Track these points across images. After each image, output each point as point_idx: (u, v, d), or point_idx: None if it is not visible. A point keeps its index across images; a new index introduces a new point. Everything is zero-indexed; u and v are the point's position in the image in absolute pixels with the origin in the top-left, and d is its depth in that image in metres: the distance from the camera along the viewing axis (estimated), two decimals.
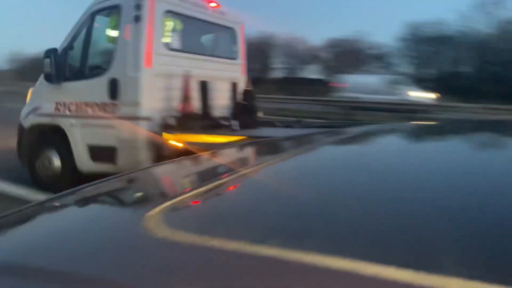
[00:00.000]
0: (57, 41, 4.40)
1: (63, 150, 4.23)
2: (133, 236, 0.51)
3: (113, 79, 3.90)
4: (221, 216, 0.59)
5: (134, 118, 3.79)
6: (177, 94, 4.03)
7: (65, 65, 4.30)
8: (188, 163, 1.16)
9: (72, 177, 4.12)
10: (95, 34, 4.22)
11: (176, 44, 4.39)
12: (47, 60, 4.29)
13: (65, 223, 0.66)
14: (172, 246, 0.48)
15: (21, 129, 4.68)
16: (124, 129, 3.83)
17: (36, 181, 4.39)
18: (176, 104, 4.04)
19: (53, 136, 4.36)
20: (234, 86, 4.68)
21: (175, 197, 0.68)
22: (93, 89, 4.07)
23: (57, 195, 0.81)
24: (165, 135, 3.71)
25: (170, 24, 4.26)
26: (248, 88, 4.70)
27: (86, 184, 0.85)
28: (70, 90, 4.25)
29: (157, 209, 0.59)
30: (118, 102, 3.88)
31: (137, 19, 3.87)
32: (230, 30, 5.04)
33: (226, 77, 4.74)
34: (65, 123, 4.22)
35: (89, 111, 4.07)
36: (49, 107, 4.36)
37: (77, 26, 4.33)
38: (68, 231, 0.59)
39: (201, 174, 1.02)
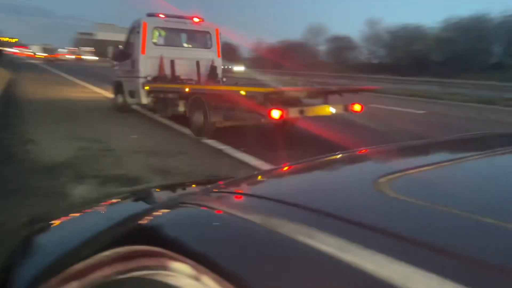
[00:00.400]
0: None
1: (123, 93, 9.31)
2: (369, 193, 0.69)
3: (132, 60, 8.88)
4: (442, 189, 0.74)
5: (138, 77, 8.57)
6: (157, 67, 8.55)
7: (118, 52, 9.80)
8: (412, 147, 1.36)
9: (124, 106, 9.34)
10: (128, 39, 9.43)
11: (161, 42, 8.97)
12: (110, 48, 10.39)
13: (318, 181, 0.92)
14: (397, 203, 0.63)
15: (113, 82, 10.27)
16: (136, 82, 8.62)
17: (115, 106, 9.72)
18: (156, 71, 8.57)
19: (120, 86, 9.52)
20: (211, 62, 9.07)
21: (403, 170, 0.83)
22: (127, 64, 9.14)
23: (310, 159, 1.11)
24: (146, 86, 8.47)
25: (156, 32, 8.85)
26: (213, 64, 9.03)
27: (324, 155, 1.13)
28: (120, 65, 9.62)
29: (387, 177, 0.76)
30: (134, 70, 8.73)
31: (138, 32, 8.67)
32: (207, 33, 9.37)
33: (202, 58, 8.96)
34: (121, 80, 9.47)
35: (126, 74, 9.14)
36: (117, 73, 9.91)
37: (128, 32, 9.58)
38: (322, 186, 0.84)
39: (419, 156, 1.22)
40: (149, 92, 8.45)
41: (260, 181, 0.99)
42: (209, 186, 1.00)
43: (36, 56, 58.64)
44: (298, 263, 0.47)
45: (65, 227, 1.50)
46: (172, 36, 9.15)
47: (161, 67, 8.48)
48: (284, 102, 5.88)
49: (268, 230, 0.54)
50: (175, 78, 8.52)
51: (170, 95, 7.77)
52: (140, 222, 0.69)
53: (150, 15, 8.90)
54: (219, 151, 5.80)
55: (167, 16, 8.95)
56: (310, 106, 6.26)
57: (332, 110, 6.25)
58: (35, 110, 9.20)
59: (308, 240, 0.49)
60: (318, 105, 6.37)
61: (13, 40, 44.99)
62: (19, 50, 71.10)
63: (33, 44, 74.66)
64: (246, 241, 0.54)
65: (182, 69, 8.67)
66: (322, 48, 47.99)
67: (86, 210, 1.64)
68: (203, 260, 0.48)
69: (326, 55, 46.92)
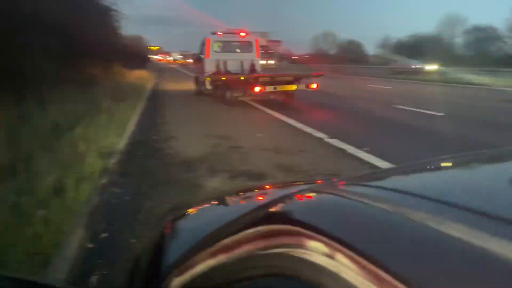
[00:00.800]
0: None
1: (202, 83, 13.65)
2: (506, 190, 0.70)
3: (202, 62, 13.60)
4: None
5: (204, 73, 13.28)
6: (216, 66, 13.03)
7: (196, 57, 15.34)
8: None
9: (199, 92, 14.23)
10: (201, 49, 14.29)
11: (218, 50, 13.54)
12: (193, 55, 17.47)
13: (445, 177, 0.94)
14: None
15: (194, 77, 15.87)
16: (204, 76, 13.35)
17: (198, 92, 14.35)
18: (215, 68, 13.03)
19: (196, 79, 14.89)
20: (251, 62, 13.44)
21: None
22: (201, 63, 13.78)
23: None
24: (208, 77, 13.01)
25: (216, 44, 13.54)
26: (252, 63, 13.46)
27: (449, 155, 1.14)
28: (196, 66, 15.30)
29: None
30: (203, 68, 13.41)
31: (204, 44, 13.68)
32: (249, 42, 13.77)
33: (245, 59, 13.41)
34: (198, 75, 14.70)
35: (199, 71, 14.18)
36: (195, 71, 15.87)
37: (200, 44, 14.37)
38: (450, 182, 0.84)
39: None
40: (210, 82, 12.97)
41: (386, 175, 1.02)
42: (335, 180, 1.06)
43: (174, 61, 66.54)
44: (430, 245, 0.51)
45: (206, 213, 1.72)
46: (226, 46, 13.83)
47: (218, 66, 13.24)
48: (265, 82, 10.53)
49: (400, 215, 0.59)
50: (227, 73, 12.92)
51: (219, 83, 12.18)
52: (279, 204, 0.78)
53: (213, 33, 13.86)
54: (342, 150, 5.78)
55: (223, 33, 14.10)
56: (281, 85, 10.68)
57: (295, 87, 10.79)
58: (168, 95, 15.18)
59: (440, 227, 0.52)
60: (288, 85, 10.77)
61: (156, 48, 51.50)
62: (161, 57, 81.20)
63: (172, 51, 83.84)
64: (379, 224, 0.59)
65: (232, 67, 13.36)
66: (459, 40, 43.49)
67: (222, 200, 1.84)
68: (337, 240, 0.53)
69: (464, 48, 42.39)
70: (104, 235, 3.12)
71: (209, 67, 13.28)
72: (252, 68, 13.53)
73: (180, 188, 4.19)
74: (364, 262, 0.49)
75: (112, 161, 4.98)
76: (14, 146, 4.57)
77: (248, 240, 0.66)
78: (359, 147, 5.83)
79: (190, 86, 16.24)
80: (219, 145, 6.22)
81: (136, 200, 3.87)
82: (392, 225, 0.58)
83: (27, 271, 2.32)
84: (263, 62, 17.12)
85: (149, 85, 19.24)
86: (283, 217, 0.66)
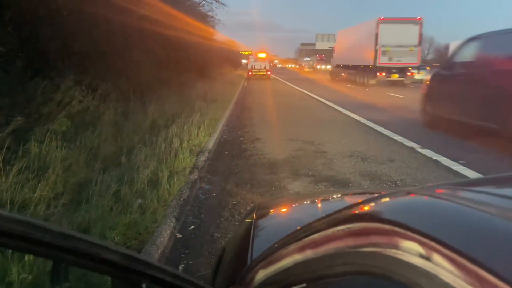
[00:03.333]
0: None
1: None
2: None
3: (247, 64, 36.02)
4: None
5: (249, 70, 33.34)
6: (251, 66, 32.99)
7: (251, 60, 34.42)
8: None
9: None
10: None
11: (252, 61, 33.30)
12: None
13: None
14: None
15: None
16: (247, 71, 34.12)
17: None
18: (252, 67, 32.99)
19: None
20: (265, 66, 33.60)
21: None
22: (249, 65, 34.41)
23: None
24: (250, 71, 33.00)
25: (251, 58, 34.25)
26: (266, 66, 32.98)
27: None
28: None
29: None
30: (248, 67, 33.95)
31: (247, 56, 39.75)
32: (267, 57, 34.11)
33: (265, 65, 33.12)
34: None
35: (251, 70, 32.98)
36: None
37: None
38: None
39: None
40: (249, 73, 31.72)
41: (485, 182, 0.94)
42: (430, 184, 1.01)
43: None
44: None
45: (292, 211, 1.74)
46: (256, 59, 32.56)
47: (252, 66, 31.77)
48: (255, 71, 31.83)
49: (504, 218, 0.56)
50: (257, 70, 31.51)
51: (254, 72, 31.46)
52: (372, 203, 0.76)
53: (250, 53, 35.16)
54: (436, 162, 5.41)
55: (255, 53, 35.07)
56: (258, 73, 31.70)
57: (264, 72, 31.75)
58: (257, 97, 14.95)
59: None
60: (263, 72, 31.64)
61: (247, 53, 53.25)
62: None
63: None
64: (481, 226, 0.56)
65: (258, 68, 31.52)
66: None
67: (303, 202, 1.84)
68: (436, 241, 0.51)
69: None
70: (192, 227, 3.30)
71: (251, 66, 32.51)
72: (265, 68, 32.27)
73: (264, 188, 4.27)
74: (467, 263, 0.47)
75: (202, 158, 5.25)
76: (119, 140, 5.05)
77: (337, 237, 0.66)
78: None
79: (277, 86, 16.40)
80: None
81: (222, 197, 4.03)
82: (495, 228, 0.55)
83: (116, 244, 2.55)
84: None
85: (239, 87, 19.96)
86: (376, 216, 0.65)
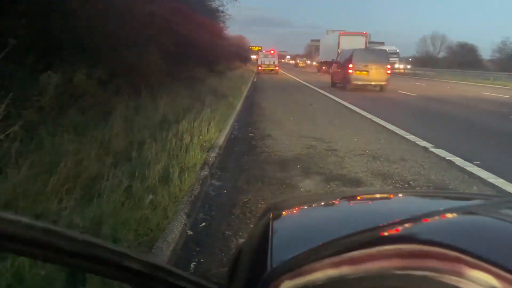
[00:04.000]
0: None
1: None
2: None
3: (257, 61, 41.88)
4: None
5: (258, 65, 38.32)
6: (261, 62, 37.51)
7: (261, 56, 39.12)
8: None
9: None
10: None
11: (263, 57, 37.82)
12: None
13: None
14: None
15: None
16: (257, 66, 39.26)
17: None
18: (261, 63, 37.78)
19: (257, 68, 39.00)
20: (274, 62, 37.67)
21: None
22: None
23: None
24: (259, 67, 37.30)
25: (262, 54, 38.53)
26: (275, 62, 37.81)
27: None
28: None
29: None
30: (258, 63, 39.27)
31: (256, 54, 45.86)
32: (275, 54, 37.35)
33: (273, 61, 36.84)
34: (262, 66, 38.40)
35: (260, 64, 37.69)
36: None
37: None
38: None
39: None
40: (259, 68, 35.92)
41: None
42: (498, 198, 0.95)
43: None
44: None
45: (315, 213, 1.69)
46: (266, 55, 36.68)
47: (262, 62, 36.14)
48: (264, 66, 35.94)
49: None
50: (266, 65, 35.82)
51: (263, 67, 35.77)
52: (427, 220, 0.70)
53: (260, 50, 40.88)
54: (449, 162, 5.32)
55: (265, 50, 38.87)
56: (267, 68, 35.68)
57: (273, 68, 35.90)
58: (267, 93, 15.53)
59: None
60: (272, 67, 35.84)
61: (257, 49, 52.98)
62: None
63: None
64: None
65: (267, 64, 35.66)
66: None
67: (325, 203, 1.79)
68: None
69: None
70: (203, 224, 3.28)
71: (260, 63, 37.20)
72: (274, 64, 36.17)
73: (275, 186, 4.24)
74: None
75: (212, 154, 5.22)
76: (130, 134, 5.04)
77: (383, 256, 0.60)
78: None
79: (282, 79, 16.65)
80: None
81: (233, 194, 4.00)
82: None
83: (137, 250, 2.53)
84: None
85: (249, 83, 19.89)
86: (436, 240, 0.59)
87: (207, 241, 2.98)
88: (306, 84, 21.77)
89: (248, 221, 3.33)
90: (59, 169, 3.34)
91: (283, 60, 73.43)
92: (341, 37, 33.42)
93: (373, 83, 16.45)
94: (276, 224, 1.51)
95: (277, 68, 35.12)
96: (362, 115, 9.66)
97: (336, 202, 1.77)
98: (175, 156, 4.54)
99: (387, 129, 7.79)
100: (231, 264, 1.60)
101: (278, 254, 1.20)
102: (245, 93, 14.92)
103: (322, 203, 1.84)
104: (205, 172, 4.49)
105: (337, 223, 1.26)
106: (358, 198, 1.95)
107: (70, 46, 6.52)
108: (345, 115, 9.79)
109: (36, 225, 0.51)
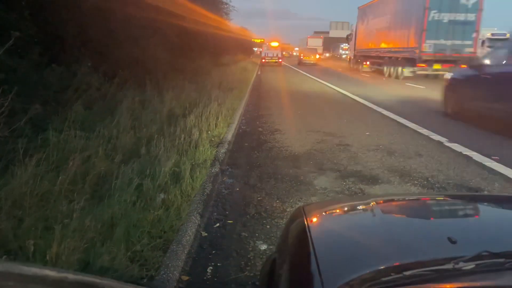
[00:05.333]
0: None
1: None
2: None
3: (263, 50, 39.95)
4: None
5: (262, 56, 37.40)
6: (264, 54, 36.39)
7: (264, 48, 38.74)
8: None
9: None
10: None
11: (266, 49, 37.19)
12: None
13: None
14: None
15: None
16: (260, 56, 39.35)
17: None
18: (265, 54, 36.47)
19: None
20: (278, 53, 36.43)
21: None
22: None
23: None
24: (263, 59, 36.51)
25: (266, 46, 38.53)
26: (278, 54, 36.09)
27: None
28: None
29: None
30: (263, 52, 38.01)
31: (264, 44, 40.07)
32: (279, 45, 36.66)
33: (277, 52, 35.93)
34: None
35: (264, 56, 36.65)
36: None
37: None
38: None
39: None
40: (263, 60, 34.34)
41: None
42: None
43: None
44: None
45: (351, 219, 1.55)
46: (269, 47, 35.66)
47: (265, 55, 34.84)
48: (268, 59, 34.26)
49: None
50: (270, 58, 34.10)
51: (267, 60, 34.12)
52: None
53: (263, 42, 41.88)
54: (466, 157, 5.16)
55: (268, 41, 38.16)
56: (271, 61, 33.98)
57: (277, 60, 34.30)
58: (270, 84, 15.56)
59: None
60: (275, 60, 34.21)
61: (259, 41, 52.56)
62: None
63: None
64: None
65: (271, 56, 34.21)
66: None
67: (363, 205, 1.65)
68: None
69: None
70: (217, 224, 3.15)
71: (265, 53, 35.74)
72: (278, 56, 34.95)
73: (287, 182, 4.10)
74: None
75: (222, 150, 5.09)
76: (137, 130, 4.90)
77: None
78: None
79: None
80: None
81: (245, 192, 3.87)
82: None
83: (150, 253, 2.41)
84: None
85: (253, 75, 19.70)
86: None
87: (223, 243, 2.85)
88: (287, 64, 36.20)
89: (264, 221, 3.20)
90: (67, 167, 3.21)
91: (290, 53, 73.05)
92: (309, 39, 63.71)
93: (309, 61, 36.86)
94: (316, 231, 1.37)
95: (280, 60, 34.42)
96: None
97: (373, 206, 1.63)
98: (184, 153, 4.40)
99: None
100: (265, 278, 1.46)
101: (328, 265, 1.06)
102: (250, 85, 14.75)
103: (358, 208, 1.70)
104: (216, 168, 4.35)
105: (383, 237, 1.15)
106: (394, 203, 1.82)
107: (74, 39, 6.36)
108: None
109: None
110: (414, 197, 2.25)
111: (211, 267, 2.52)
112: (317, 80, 18.37)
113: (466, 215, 1.67)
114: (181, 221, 2.90)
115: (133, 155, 4.02)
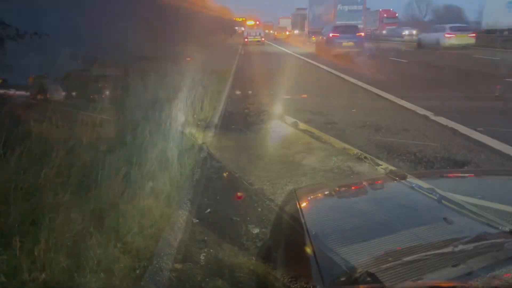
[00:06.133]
0: None
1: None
2: None
3: (244, 32, 43.92)
4: None
5: (244, 37, 38.46)
6: (247, 34, 38.18)
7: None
8: None
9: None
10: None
11: (247, 30, 41.00)
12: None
13: None
14: None
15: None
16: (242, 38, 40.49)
17: None
18: (248, 35, 38.43)
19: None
20: (260, 33, 39.23)
21: None
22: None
23: None
24: (246, 38, 37.88)
25: (248, 27, 45.34)
26: (261, 33, 38.30)
27: None
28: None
29: None
30: (244, 35, 40.75)
31: (243, 27, 48.36)
32: (260, 25, 47.30)
33: (260, 32, 38.13)
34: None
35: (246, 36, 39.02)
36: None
37: None
38: None
39: None
40: (245, 40, 35.48)
41: None
42: None
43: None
44: None
45: (342, 202, 1.53)
46: (253, 27, 41.33)
47: (247, 34, 36.58)
48: (251, 38, 36.06)
49: None
50: (252, 37, 36.16)
51: (249, 39, 35.41)
52: None
53: (245, 21, 48.01)
54: (451, 130, 5.21)
55: (249, 19, 47.39)
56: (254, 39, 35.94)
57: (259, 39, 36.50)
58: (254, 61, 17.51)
59: None
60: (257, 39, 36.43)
61: (241, 20, 51.63)
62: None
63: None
64: None
65: (253, 35, 36.18)
66: None
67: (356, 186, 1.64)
68: None
69: None
70: (208, 210, 3.12)
71: (247, 34, 36.75)
72: (261, 35, 36.83)
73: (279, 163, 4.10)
74: None
75: (209, 134, 5.03)
76: (121, 116, 4.80)
77: None
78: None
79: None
80: None
81: (235, 176, 3.84)
82: None
83: (143, 243, 2.37)
84: None
85: (237, 56, 19.49)
86: None
87: (215, 228, 2.82)
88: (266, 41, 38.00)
89: (255, 204, 3.18)
90: (50, 158, 3.13)
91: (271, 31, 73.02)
92: (280, 19, 72.92)
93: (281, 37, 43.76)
94: (308, 215, 1.34)
95: (263, 39, 36.77)
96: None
97: (366, 187, 1.61)
98: (171, 138, 4.33)
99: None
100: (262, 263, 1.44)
101: (322, 248, 1.04)
102: (234, 66, 14.57)
103: (350, 189, 1.69)
104: (204, 153, 4.30)
105: (377, 219, 1.14)
106: (386, 183, 1.80)
107: (48, 24, 6.14)
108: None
109: None
110: (408, 175, 2.25)
111: (204, 254, 2.50)
112: (277, 47, 29.95)
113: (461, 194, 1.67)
114: (171, 209, 2.86)
115: (118, 143, 3.94)
